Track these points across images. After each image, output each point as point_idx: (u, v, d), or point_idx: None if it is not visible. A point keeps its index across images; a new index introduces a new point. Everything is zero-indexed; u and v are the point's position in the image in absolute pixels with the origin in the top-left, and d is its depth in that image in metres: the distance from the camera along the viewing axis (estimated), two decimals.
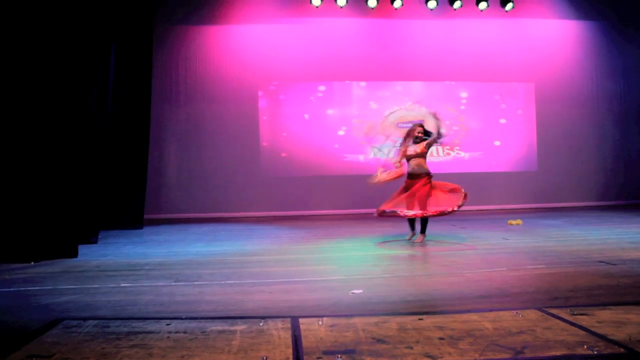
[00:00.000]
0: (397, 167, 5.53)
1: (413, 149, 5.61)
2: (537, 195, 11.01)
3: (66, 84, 5.35)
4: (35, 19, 5.04)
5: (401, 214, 5.32)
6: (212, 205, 10.14)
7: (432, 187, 5.38)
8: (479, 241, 5.69)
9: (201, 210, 10.07)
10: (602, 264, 4.08)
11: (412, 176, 5.52)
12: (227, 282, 3.66)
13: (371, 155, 10.70)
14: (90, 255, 5.13)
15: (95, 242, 6.13)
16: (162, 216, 9.76)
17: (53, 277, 3.94)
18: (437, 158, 10.74)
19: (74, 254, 5.03)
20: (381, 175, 5.55)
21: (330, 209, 10.32)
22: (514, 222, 7.61)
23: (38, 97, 5.02)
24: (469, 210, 10.14)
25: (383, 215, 5.43)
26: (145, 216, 8.35)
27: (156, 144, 9.46)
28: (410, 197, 5.32)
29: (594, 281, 3.44)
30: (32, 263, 4.64)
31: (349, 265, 4.34)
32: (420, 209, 5.25)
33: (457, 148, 10.91)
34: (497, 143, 11.06)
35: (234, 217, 9.86)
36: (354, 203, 10.25)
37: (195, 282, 3.64)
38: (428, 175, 5.47)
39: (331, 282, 3.61)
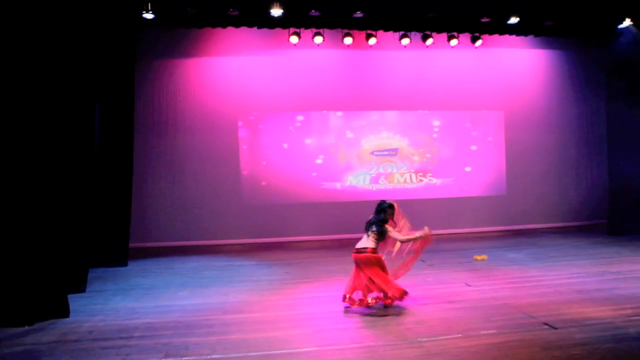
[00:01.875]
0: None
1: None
2: (506, 218, 11.63)
3: (53, 137, 5.64)
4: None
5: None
6: (195, 234, 10.50)
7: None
8: (442, 288, 6.21)
9: (184, 238, 10.43)
10: (545, 327, 4.61)
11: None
12: (213, 356, 4.09)
13: (347, 183, 11.20)
14: (81, 312, 5.48)
15: (84, 290, 6.47)
16: (146, 244, 10.06)
17: (50, 350, 4.30)
18: (410, 185, 11.26)
19: (65, 313, 5.38)
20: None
21: (308, 235, 10.76)
22: (479, 257, 8.15)
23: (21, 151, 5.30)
24: (442, 235, 10.77)
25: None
26: (130, 244, 8.67)
27: (139, 174, 9.72)
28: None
29: (533, 355, 3.96)
30: (27, 327, 4.98)
31: (322, 328, 4.79)
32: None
33: (430, 175, 11.43)
34: (468, 169, 11.62)
35: (216, 245, 10.21)
36: (331, 229, 10.73)
37: (184, 358, 4.05)
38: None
39: (305, 356, 4.06)
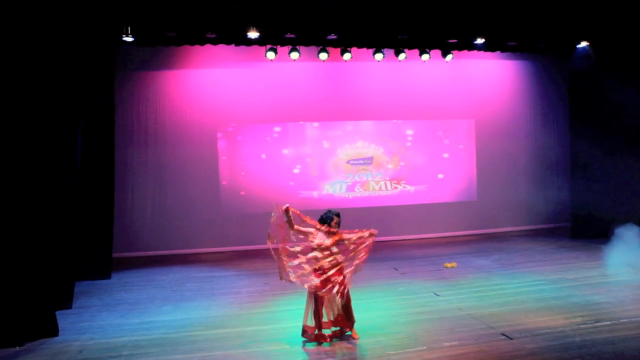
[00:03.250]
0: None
1: (322, 240, 5.19)
2: (477, 223, 12.14)
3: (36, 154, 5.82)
4: None
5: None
6: (176, 243, 10.75)
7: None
8: (413, 298, 6.63)
9: (166, 248, 10.67)
10: (502, 338, 5.06)
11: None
12: None
13: (324, 192, 11.57)
14: (69, 330, 5.74)
15: (70, 307, 6.70)
16: (128, 254, 10.28)
17: None
18: (385, 192, 11.69)
19: (55, 331, 5.62)
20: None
21: None
22: (449, 264, 8.61)
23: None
24: (416, 239, 11.36)
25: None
26: (113, 254, 8.91)
27: (120, 185, 9.97)
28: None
29: None
30: (17, 348, 5.22)
31: (298, 342, 5.16)
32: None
33: (404, 182, 11.87)
34: (440, 176, 12.09)
35: (197, 254, 10.49)
36: None
37: None
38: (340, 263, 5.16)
39: None
